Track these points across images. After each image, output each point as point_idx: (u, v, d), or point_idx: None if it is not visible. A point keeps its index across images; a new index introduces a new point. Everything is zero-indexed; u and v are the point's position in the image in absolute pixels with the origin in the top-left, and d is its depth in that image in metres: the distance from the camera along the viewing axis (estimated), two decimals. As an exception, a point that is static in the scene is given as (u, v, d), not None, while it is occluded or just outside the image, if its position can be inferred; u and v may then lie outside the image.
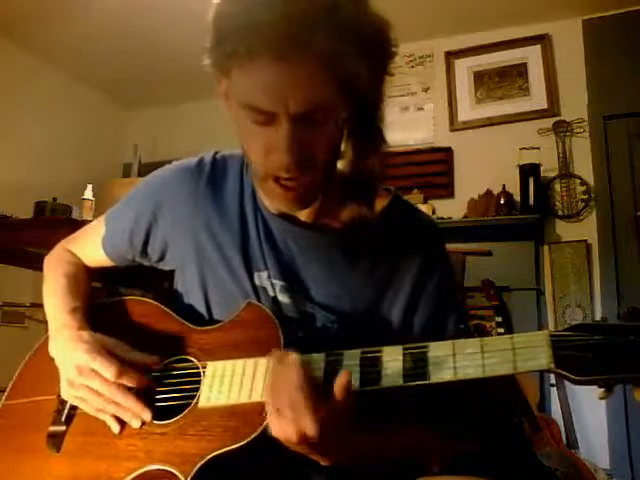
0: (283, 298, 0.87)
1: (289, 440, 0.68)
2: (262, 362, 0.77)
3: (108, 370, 0.81)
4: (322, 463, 0.73)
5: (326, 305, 0.86)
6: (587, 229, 3.27)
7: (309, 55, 0.68)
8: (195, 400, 0.80)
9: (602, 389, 0.62)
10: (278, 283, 0.87)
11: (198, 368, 0.83)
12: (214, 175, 0.94)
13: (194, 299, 0.93)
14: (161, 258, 0.98)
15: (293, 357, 0.71)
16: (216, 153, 0.97)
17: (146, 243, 0.97)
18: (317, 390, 0.69)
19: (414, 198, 3.40)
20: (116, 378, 0.81)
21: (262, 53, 0.68)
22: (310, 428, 0.66)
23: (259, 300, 0.87)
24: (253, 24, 0.68)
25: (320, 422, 0.66)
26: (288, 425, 0.67)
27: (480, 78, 3.67)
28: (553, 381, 2.86)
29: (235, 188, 0.93)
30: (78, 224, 2.23)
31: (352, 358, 0.73)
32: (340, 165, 0.86)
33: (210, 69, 0.76)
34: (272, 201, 0.84)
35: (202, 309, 0.92)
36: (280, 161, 0.74)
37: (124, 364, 0.83)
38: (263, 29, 0.67)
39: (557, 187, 3.35)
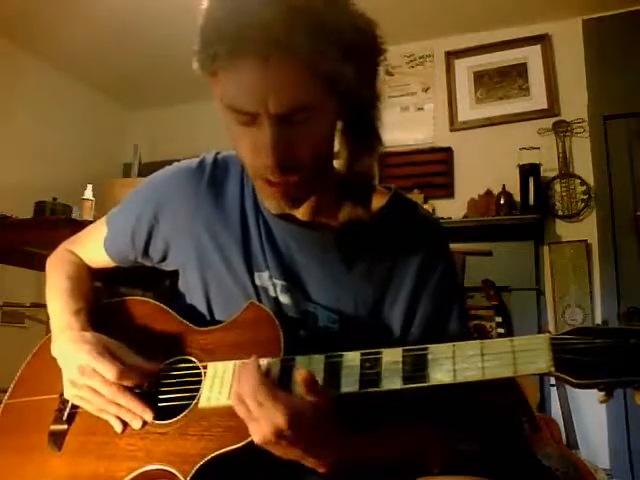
0: (284, 298, 0.87)
1: (267, 440, 0.68)
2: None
3: (110, 371, 0.81)
4: (319, 470, 0.73)
5: (327, 305, 0.86)
6: (587, 229, 3.27)
7: (288, 57, 0.69)
8: (195, 400, 0.80)
9: (602, 393, 0.62)
10: (279, 283, 0.87)
11: (199, 368, 0.83)
12: (215, 176, 0.94)
13: (195, 299, 0.93)
14: (163, 259, 0.98)
15: (252, 359, 0.73)
16: (217, 154, 0.97)
17: (148, 244, 0.97)
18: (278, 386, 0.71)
19: (414, 198, 3.38)
20: (117, 379, 0.81)
21: (242, 56, 0.69)
22: (281, 420, 0.66)
23: (260, 301, 0.87)
24: (234, 27, 0.69)
25: (289, 414, 0.67)
26: (262, 424, 0.68)
27: (480, 78, 3.66)
28: (553, 381, 2.86)
29: (236, 188, 0.93)
30: (78, 224, 2.24)
31: (352, 360, 0.73)
32: (336, 164, 0.86)
33: (198, 72, 0.77)
34: (265, 200, 0.84)
35: (203, 309, 0.92)
36: (265, 162, 0.74)
37: (126, 366, 0.83)
38: (243, 32, 0.68)
39: (557, 187, 3.35)
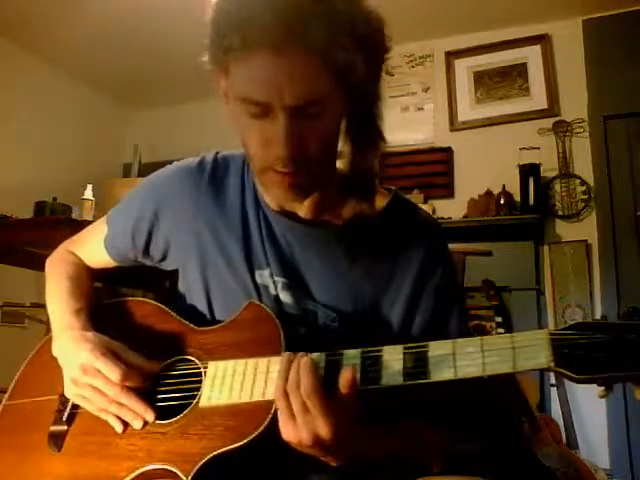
0: (285, 296, 0.87)
1: (304, 444, 0.68)
2: (263, 362, 0.78)
3: (113, 372, 0.81)
4: (332, 464, 0.73)
5: (327, 302, 0.86)
6: (587, 229, 3.27)
7: (304, 47, 0.69)
8: (196, 400, 0.80)
9: (602, 387, 0.62)
10: (280, 280, 0.87)
11: (199, 368, 0.83)
12: (215, 174, 0.94)
13: (196, 298, 0.93)
14: (163, 258, 0.98)
15: (305, 360, 0.71)
16: (217, 153, 0.97)
17: (148, 243, 0.97)
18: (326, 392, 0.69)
19: (414, 198, 3.40)
20: (121, 381, 0.81)
21: (257, 46, 0.70)
22: (325, 431, 0.66)
23: (261, 299, 0.87)
24: (248, 18, 0.69)
25: (334, 425, 0.66)
26: (302, 429, 0.67)
27: (480, 78, 3.66)
28: (553, 381, 2.86)
29: (236, 187, 0.93)
30: (78, 224, 2.23)
31: (352, 358, 0.73)
32: (339, 163, 0.86)
33: (209, 66, 0.77)
34: (271, 192, 0.84)
35: (204, 308, 0.92)
36: (276, 153, 0.75)
37: (128, 366, 0.83)
38: (258, 22, 0.69)
39: (557, 187, 3.35)
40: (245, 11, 0.70)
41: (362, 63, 0.73)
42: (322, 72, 0.71)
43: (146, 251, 0.98)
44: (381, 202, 0.90)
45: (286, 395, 0.69)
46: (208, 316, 0.92)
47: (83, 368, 0.83)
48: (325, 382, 0.70)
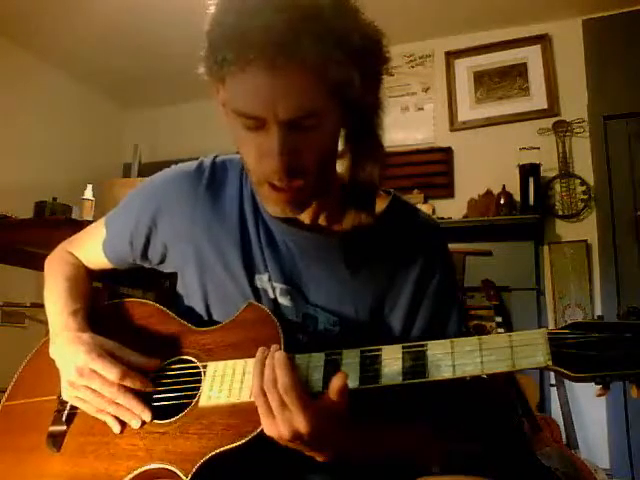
0: (284, 301, 0.87)
1: (282, 438, 0.69)
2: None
3: (111, 372, 0.81)
4: (318, 459, 0.73)
5: (327, 307, 0.86)
6: (587, 229, 3.27)
7: (296, 62, 0.69)
8: (196, 399, 0.80)
9: (599, 386, 0.63)
10: (279, 286, 0.87)
11: (199, 368, 0.83)
12: (213, 179, 0.94)
13: (194, 302, 0.94)
14: (161, 261, 0.98)
15: (279, 356, 0.72)
16: (216, 157, 0.97)
17: (146, 247, 0.97)
18: (307, 388, 0.71)
19: (414, 198, 3.41)
20: (119, 380, 0.81)
21: (250, 61, 0.69)
22: (303, 427, 0.67)
23: (260, 302, 0.86)
24: (242, 33, 0.69)
25: (312, 421, 0.67)
26: (280, 424, 0.68)
27: (480, 78, 3.66)
28: (553, 381, 2.86)
29: (235, 191, 0.93)
30: (78, 224, 2.24)
31: (351, 357, 0.73)
32: (339, 170, 0.86)
33: (205, 78, 0.77)
34: (268, 205, 0.84)
35: (202, 311, 0.92)
36: (271, 167, 0.74)
37: (126, 365, 0.83)
38: (251, 37, 0.68)
39: (557, 187, 3.35)
40: (240, 26, 0.69)
41: (359, 77, 0.73)
42: (316, 87, 0.71)
43: (144, 255, 0.98)
44: (380, 205, 0.89)
45: (263, 393, 0.70)
46: (206, 318, 0.92)
47: (79, 370, 0.83)
48: (323, 381, 0.70)
